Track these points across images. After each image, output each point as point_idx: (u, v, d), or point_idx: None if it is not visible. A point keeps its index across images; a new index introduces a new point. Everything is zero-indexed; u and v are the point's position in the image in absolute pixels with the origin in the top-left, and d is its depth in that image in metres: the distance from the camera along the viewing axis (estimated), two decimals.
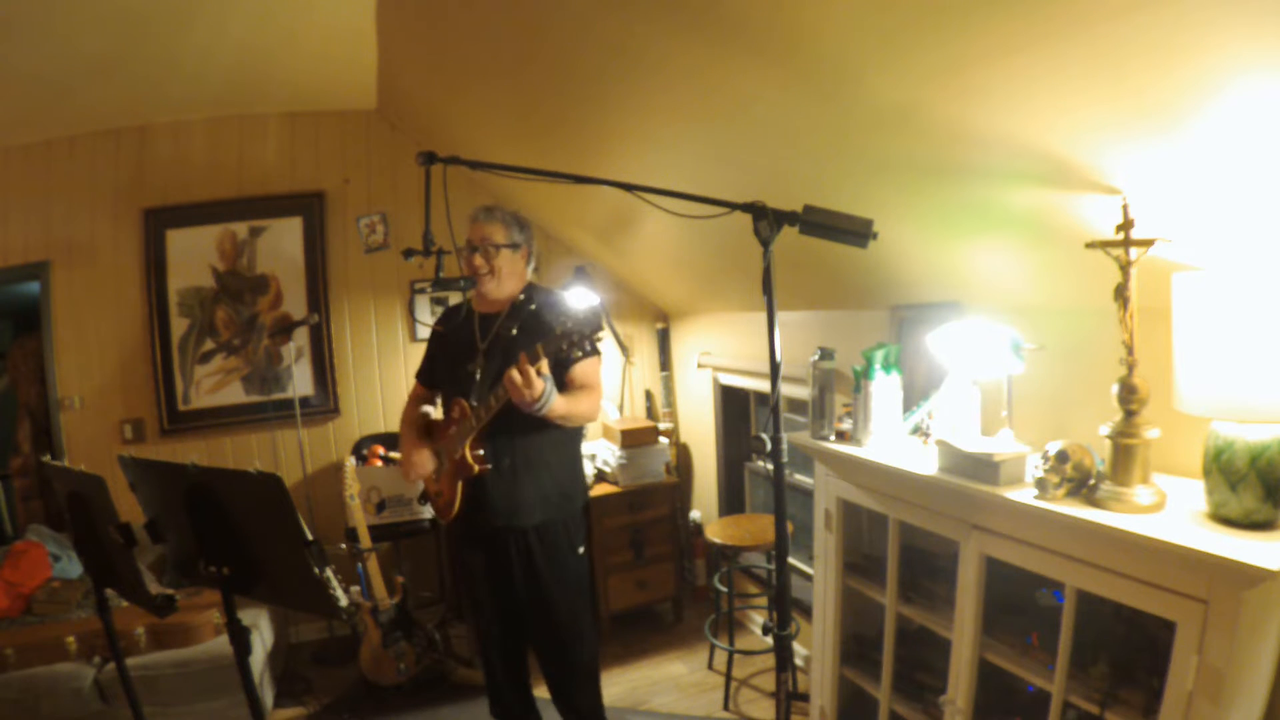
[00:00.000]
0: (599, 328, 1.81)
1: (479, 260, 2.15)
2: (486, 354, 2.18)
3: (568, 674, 2.28)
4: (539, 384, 1.90)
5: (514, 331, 2.15)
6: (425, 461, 2.24)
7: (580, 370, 2.09)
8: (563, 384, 2.12)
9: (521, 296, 2.23)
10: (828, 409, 2.08)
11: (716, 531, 2.90)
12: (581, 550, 2.27)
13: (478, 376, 2.15)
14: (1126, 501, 1.34)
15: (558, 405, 2.00)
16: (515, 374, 1.88)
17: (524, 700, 2.45)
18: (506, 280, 2.21)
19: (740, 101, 1.77)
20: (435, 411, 2.36)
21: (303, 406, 3.52)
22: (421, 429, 2.33)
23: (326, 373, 3.64)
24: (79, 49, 2.53)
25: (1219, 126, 1.07)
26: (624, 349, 4.05)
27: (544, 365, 1.92)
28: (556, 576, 2.19)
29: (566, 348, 1.81)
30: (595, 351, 2.03)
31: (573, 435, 2.26)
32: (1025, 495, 1.48)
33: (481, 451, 2.09)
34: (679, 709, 2.85)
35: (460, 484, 2.13)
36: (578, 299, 2.49)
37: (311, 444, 3.61)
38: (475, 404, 2.09)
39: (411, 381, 2.48)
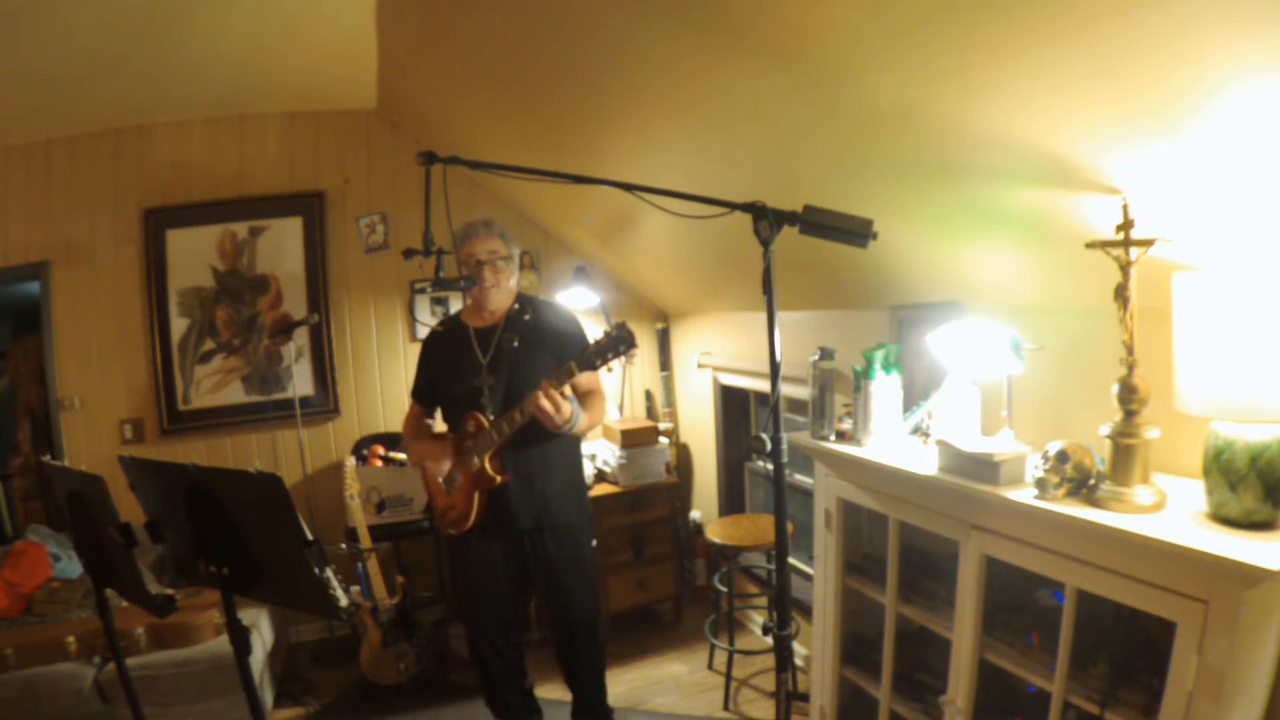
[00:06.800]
0: (633, 343, 1.92)
1: (489, 273, 2.19)
2: (491, 368, 2.20)
3: (585, 657, 2.38)
4: (567, 407, 2.04)
5: (515, 344, 2.19)
6: (434, 452, 2.27)
7: (586, 376, 2.12)
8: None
9: (516, 307, 2.28)
10: (828, 409, 2.08)
11: (716, 531, 2.90)
12: (594, 543, 2.38)
13: (486, 392, 2.18)
14: (1126, 501, 1.34)
15: (582, 422, 2.15)
16: (544, 402, 1.98)
17: (524, 699, 2.45)
18: (507, 293, 2.26)
19: (741, 102, 1.77)
20: (439, 425, 2.38)
21: (303, 406, 3.51)
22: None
23: (326, 373, 3.64)
24: (79, 48, 2.53)
25: (1219, 127, 1.07)
26: None
27: (568, 388, 2.04)
28: (575, 570, 2.29)
29: (600, 363, 1.94)
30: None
31: (578, 439, 2.33)
32: (1025, 495, 1.48)
33: (500, 462, 2.16)
34: (679, 709, 2.85)
35: (478, 495, 2.18)
36: (569, 306, 2.60)
37: (311, 444, 3.61)
38: (494, 419, 2.13)
39: (412, 383, 2.48)
